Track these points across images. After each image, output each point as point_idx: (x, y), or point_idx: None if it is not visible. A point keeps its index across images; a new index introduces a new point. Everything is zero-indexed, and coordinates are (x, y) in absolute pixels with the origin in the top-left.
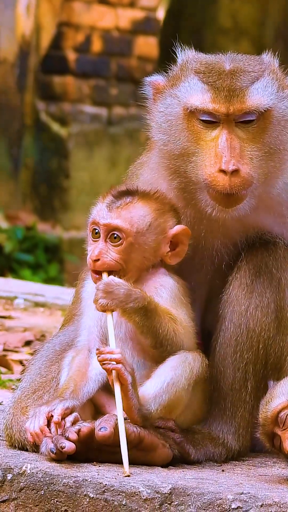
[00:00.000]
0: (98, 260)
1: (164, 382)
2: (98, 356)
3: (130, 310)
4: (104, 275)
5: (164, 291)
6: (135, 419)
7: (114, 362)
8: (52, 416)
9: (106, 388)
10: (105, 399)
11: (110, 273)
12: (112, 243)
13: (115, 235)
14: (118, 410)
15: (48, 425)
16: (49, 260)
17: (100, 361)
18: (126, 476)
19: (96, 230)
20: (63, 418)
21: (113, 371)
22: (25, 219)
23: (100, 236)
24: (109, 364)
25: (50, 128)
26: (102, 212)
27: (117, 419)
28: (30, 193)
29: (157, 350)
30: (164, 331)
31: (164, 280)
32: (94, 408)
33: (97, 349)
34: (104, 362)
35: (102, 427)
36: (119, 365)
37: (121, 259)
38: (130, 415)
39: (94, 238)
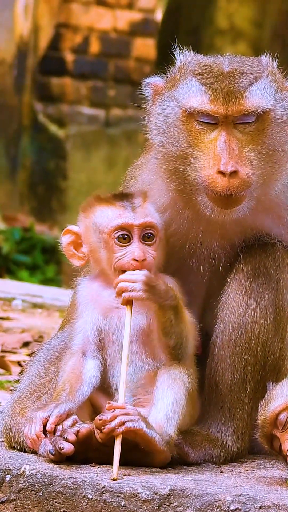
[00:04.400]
0: (144, 260)
1: (169, 402)
2: (110, 415)
3: (167, 307)
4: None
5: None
6: (161, 450)
7: (125, 418)
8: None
9: (104, 390)
10: (103, 400)
11: None
12: (147, 242)
13: (149, 234)
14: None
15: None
16: (47, 261)
17: (110, 420)
18: (113, 480)
19: (125, 235)
20: (58, 424)
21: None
22: (22, 220)
23: (129, 241)
24: (120, 419)
25: (47, 129)
26: (127, 215)
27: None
28: (28, 194)
29: (175, 352)
30: (186, 331)
31: (169, 280)
32: (93, 409)
33: (108, 403)
34: (115, 419)
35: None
36: (134, 424)
37: (156, 257)
38: (156, 450)
39: (122, 243)
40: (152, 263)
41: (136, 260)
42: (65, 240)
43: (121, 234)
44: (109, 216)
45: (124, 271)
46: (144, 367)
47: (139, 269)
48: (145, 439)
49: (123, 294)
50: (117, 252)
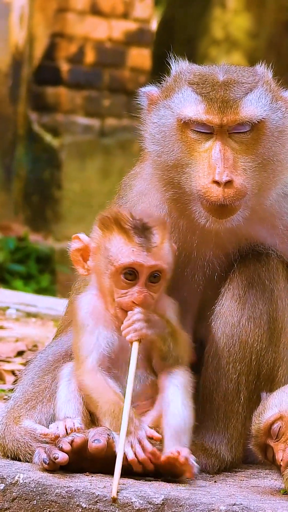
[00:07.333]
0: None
1: (185, 423)
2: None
3: (167, 335)
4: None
5: (170, 311)
6: None
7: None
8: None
9: None
10: None
11: None
12: (152, 283)
13: (156, 274)
14: (120, 439)
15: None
16: (41, 271)
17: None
18: (112, 499)
19: (131, 272)
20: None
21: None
22: (17, 230)
23: (134, 278)
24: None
25: (42, 139)
26: (140, 253)
27: (109, 433)
28: (22, 204)
29: (170, 366)
30: (183, 351)
31: (167, 302)
32: (90, 418)
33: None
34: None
35: (95, 440)
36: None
37: (157, 297)
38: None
39: (128, 279)
40: (151, 304)
41: (135, 304)
42: (73, 245)
43: (129, 271)
44: (123, 250)
45: (122, 308)
46: (148, 378)
47: (128, 310)
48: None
49: (128, 337)
50: (120, 287)
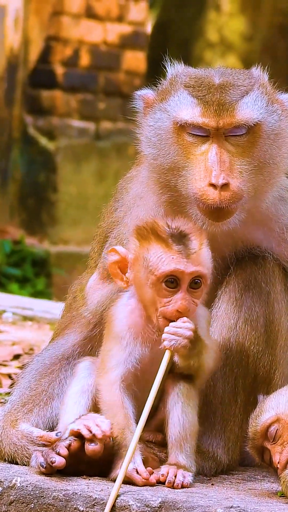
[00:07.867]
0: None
1: (187, 436)
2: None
3: (193, 355)
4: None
5: (202, 320)
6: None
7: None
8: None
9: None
10: None
11: None
12: (193, 289)
13: (197, 280)
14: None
15: None
16: (37, 274)
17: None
18: None
19: (172, 279)
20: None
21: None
22: (12, 233)
23: (176, 285)
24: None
25: (38, 142)
26: (181, 261)
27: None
28: (18, 207)
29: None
30: (203, 365)
31: (201, 310)
32: None
33: (162, 475)
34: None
35: (92, 442)
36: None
37: (198, 303)
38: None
39: (170, 287)
40: (194, 311)
41: (180, 312)
42: (111, 258)
43: (170, 279)
44: (163, 259)
45: (165, 318)
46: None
47: (172, 319)
48: None
49: (165, 343)
50: (162, 296)
